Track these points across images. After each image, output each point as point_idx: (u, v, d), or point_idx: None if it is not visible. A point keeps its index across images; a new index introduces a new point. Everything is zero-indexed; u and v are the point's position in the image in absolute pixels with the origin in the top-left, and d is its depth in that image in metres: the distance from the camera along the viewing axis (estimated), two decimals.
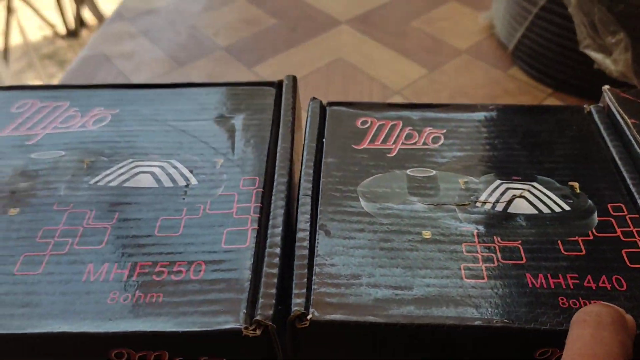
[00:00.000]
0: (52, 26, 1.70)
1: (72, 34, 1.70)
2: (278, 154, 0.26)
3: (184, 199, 0.24)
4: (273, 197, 0.24)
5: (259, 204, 0.23)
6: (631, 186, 0.24)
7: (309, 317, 0.19)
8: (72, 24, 1.69)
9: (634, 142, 0.25)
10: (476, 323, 0.19)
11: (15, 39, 1.58)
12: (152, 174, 0.25)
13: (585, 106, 0.29)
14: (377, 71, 0.48)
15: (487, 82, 0.46)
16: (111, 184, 0.25)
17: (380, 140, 0.27)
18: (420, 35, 0.53)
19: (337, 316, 0.19)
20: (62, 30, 1.71)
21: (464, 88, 0.46)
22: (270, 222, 0.22)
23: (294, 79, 0.31)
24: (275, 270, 0.21)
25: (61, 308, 0.20)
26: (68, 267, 0.21)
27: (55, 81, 1.54)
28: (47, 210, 0.24)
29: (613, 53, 0.38)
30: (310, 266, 0.21)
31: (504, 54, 0.49)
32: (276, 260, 0.21)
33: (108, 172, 0.26)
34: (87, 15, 1.70)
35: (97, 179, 0.25)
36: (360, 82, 0.47)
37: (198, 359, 0.20)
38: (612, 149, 0.26)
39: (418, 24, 0.55)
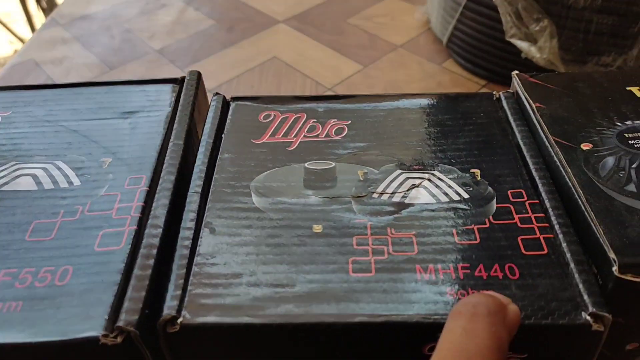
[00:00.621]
0: (21, 40, 1.66)
1: None
2: (169, 151, 0.24)
3: (63, 201, 0.22)
4: (157, 196, 0.22)
5: (142, 203, 0.22)
6: (533, 171, 0.23)
7: (179, 321, 0.18)
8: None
9: (538, 126, 0.25)
10: (357, 319, 0.18)
11: None
12: (34, 176, 0.24)
13: (494, 92, 0.28)
14: (311, 69, 0.47)
15: (421, 75, 0.45)
16: None
17: (282, 134, 0.26)
18: (357, 32, 0.52)
19: (211, 318, 0.18)
20: None
21: (397, 82, 0.45)
22: (150, 222, 0.21)
23: (198, 74, 0.29)
24: (147, 272, 0.19)
25: None
26: None
27: None
28: None
29: (538, 41, 0.38)
30: (189, 266, 0.20)
31: (440, 47, 0.49)
32: (150, 261, 0.20)
33: None
34: None
35: None
36: (293, 80, 0.46)
37: None
38: (517, 135, 0.25)
39: (355, 21, 0.54)
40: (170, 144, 0.25)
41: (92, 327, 0.18)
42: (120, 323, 0.18)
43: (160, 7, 0.60)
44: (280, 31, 0.54)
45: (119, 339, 0.17)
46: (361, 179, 0.23)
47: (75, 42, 0.55)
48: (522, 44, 0.39)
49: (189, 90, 0.28)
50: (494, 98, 0.28)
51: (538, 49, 0.38)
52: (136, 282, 0.19)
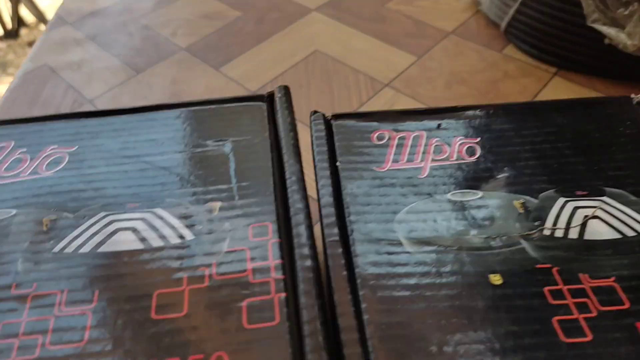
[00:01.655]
0: None
1: (10, 34, 1.59)
2: (289, 190, 0.21)
3: (181, 262, 0.19)
4: (296, 251, 0.19)
5: (280, 261, 0.19)
6: None
7: None
8: (9, 24, 1.58)
9: None
10: None
11: None
12: (134, 230, 0.20)
13: (632, 96, 0.25)
14: (360, 62, 0.44)
15: (483, 65, 0.42)
16: (82, 250, 0.19)
17: (405, 158, 0.23)
18: (399, 18, 0.48)
19: None
20: None
21: (459, 74, 0.41)
22: (301, 288, 0.18)
23: (287, 89, 0.26)
24: (324, 356, 0.16)
25: None
26: None
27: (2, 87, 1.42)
28: (3, 297, 0.18)
29: (627, 26, 0.35)
30: (362, 340, 0.16)
31: (496, 32, 0.45)
32: (321, 340, 0.16)
33: (76, 233, 0.20)
34: (26, 14, 1.59)
35: (62, 244, 0.20)
36: (344, 76, 0.42)
37: None
38: None
39: (395, 6, 0.50)
40: (288, 180, 0.21)
41: None
42: None
43: None
44: (315, 21, 0.49)
45: None
46: (520, 211, 0.20)
47: (90, 43, 0.50)
48: (608, 30, 0.35)
49: (284, 110, 0.24)
50: (634, 103, 0.24)
51: (627, 34, 0.34)
52: None
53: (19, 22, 1.59)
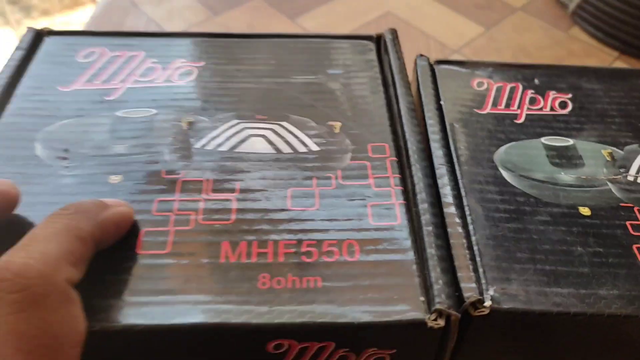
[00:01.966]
0: None
1: None
2: (403, 118, 0.23)
3: (310, 167, 0.21)
4: (413, 168, 0.21)
5: (398, 175, 0.21)
6: None
7: (487, 304, 0.17)
8: None
9: None
10: None
11: None
12: (265, 137, 0.23)
13: None
14: (431, 28, 0.46)
15: (549, 42, 0.44)
16: (221, 149, 0.22)
17: (503, 104, 0.25)
18: None
19: (517, 304, 0.18)
20: None
21: (525, 48, 0.43)
22: (418, 197, 0.20)
23: (395, 33, 0.28)
24: (442, 252, 0.19)
25: (204, 294, 0.17)
26: (199, 247, 0.19)
27: (23, 28, 1.44)
28: (155, 178, 0.21)
29: None
30: (470, 247, 0.19)
31: (562, 13, 0.47)
32: (439, 241, 0.19)
33: (214, 134, 0.23)
34: None
35: (203, 142, 0.22)
36: (414, 39, 0.45)
37: (364, 350, 0.18)
38: None
39: None
40: (402, 109, 0.23)
41: (411, 308, 0.17)
42: (437, 305, 0.17)
43: None
44: None
45: (441, 322, 0.17)
46: (608, 159, 0.23)
47: None
48: None
49: (394, 50, 0.27)
50: None
51: None
52: (434, 262, 0.18)
53: None
